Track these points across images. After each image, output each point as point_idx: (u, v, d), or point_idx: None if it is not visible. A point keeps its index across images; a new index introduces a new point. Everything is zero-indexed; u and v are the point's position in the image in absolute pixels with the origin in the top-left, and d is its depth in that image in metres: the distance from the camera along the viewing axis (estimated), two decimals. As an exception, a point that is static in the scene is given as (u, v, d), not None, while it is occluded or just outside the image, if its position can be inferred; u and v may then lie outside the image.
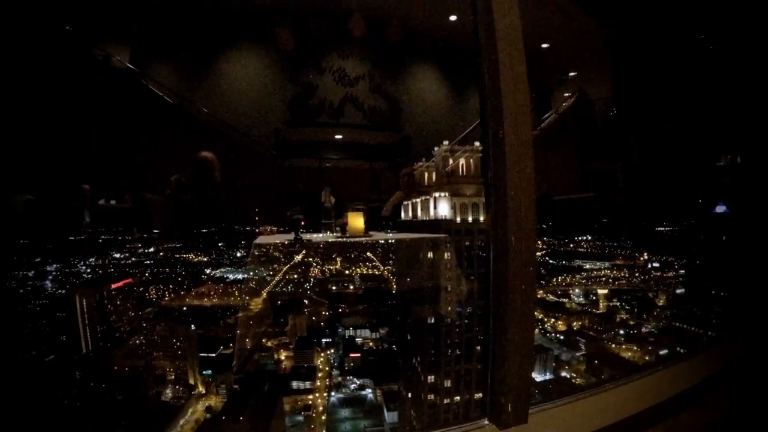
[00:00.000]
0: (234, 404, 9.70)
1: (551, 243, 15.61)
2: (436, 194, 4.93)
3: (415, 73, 15.37)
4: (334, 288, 13.35)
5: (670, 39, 10.01)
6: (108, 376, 9.62)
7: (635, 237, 14.57)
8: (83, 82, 9.37)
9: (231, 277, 12.41)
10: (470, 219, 4.96)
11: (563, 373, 11.84)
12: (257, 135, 13.16)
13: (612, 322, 13.17)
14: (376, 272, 13.49)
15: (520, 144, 2.51)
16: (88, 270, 10.59)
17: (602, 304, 13.94)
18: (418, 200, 5.50)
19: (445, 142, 5.60)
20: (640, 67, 11.22)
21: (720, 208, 10.45)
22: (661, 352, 11.47)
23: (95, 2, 10.45)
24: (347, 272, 13.58)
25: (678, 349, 10.92)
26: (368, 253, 13.04)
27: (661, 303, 13.57)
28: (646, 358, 11.66)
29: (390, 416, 10.08)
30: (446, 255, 5.05)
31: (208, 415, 10.06)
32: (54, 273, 9.93)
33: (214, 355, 10.60)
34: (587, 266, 14.85)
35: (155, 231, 10.78)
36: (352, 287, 13.42)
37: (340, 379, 11.19)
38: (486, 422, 2.70)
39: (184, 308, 11.53)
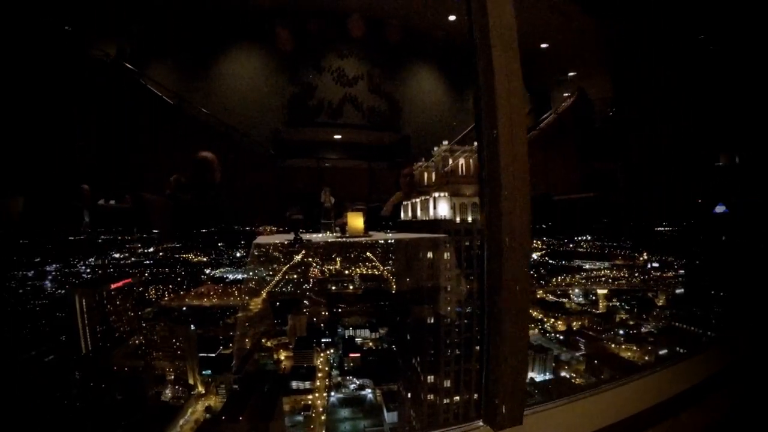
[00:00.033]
0: (233, 404, 9.70)
1: (551, 243, 15.61)
2: (436, 194, 4.93)
3: (415, 73, 15.37)
4: (333, 288, 13.34)
5: (670, 39, 10.02)
6: (107, 376, 9.61)
7: (635, 237, 14.57)
8: (83, 82, 9.37)
9: (231, 277, 12.41)
10: (470, 219, 4.96)
11: (563, 373, 11.84)
12: (256, 135, 13.16)
13: (611, 322, 13.16)
14: (376, 272, 13.48)
15: (515, 144, 2.51)
16: (88, 270, 10.59)
17: (602, 304, 13.94)
18: (418, 200, 5.50)
19: (445, 142, 5.60)
20: (639, 67, 11.23)
21: (720, 208, 10.46)
22: (661, 352, 11.47)
23: (94, 2, 10.44)
24: (347, 272, 13.57)
25: (677, 349, 10.92)
26: (368, 253, 13.03)
27: (660, 303, 13.57)
28: (646, 358, 11.66)
29: (389, 416, 10.08)
30: (446, 255, 5.05)
31: (207, 415, 10.05)
32: (53, 273, 9.93)
33: (213, 355, 10.59)
34: (587, 266, 14.84)
35: (155, 231, 10.79)
36: (351, 287, 13.41)
37: (339, 379, 11.18)
38: (480, 423, 2.69)
39: (184, 308, 11.53)
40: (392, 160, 14.25)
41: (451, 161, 5.38)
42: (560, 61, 14.99)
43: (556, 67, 15.28)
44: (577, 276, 14.78)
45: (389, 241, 7.08)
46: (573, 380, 11.74)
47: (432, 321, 5.70)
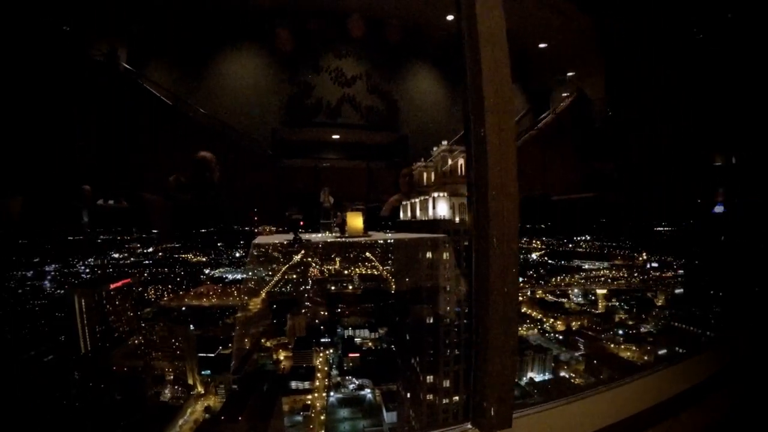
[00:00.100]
0: (233, 404, 9.70)
1: (550, 243, 15.62)
2: (435, 194, 4.92)
3: (413, 73, 15.37)
4: (333, 288, 13.34)
5: (667, 38, 10.02)
6: (107, 377, 9.62)
7: (634, 237, 14.58)
8: (82, 82, 9.37)
9: (230, 277, 12.41)
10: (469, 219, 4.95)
11: (562, 373, 11.84)
12: (254, 135, 13.16)
13: (611, 322, 13.17)
14: (375, 272, 13.48)
15: (503, 144, 2.49)
16: (87, 270, 10.60)
17: (601, 304, 13.95)
18: (417, 200, 5.50)
19: (444, 142, 5.59)
20: (636, 66, 11.23)
21: (719, 209, 10.46)
22: (660, 352, 11.47)
23: (93, 3, 10.44)
24: (346, 272, 13.58)
25: (677, 349, 10.92)
26: (367, 253, 13.03)
27: (660, 303, 13.58)
28: (645, 358, 11.66)
29: (389, 416, 10.07)
30: (445, 255, 5.04)
31: (207, 415, 10.05)
32: (53, 273, 9.93)
33: (212, 355, 10.59)
34: (586, 266, 14.86)
35: (154, 231, 10.79)
36: (351, 287, 13.42)
37: (339, 379, 11.18)
38: (469, 426, 2.68)
39: (183, 308, 11.54)
40: (390, 159, 14.26)
41: (450, 161, 5.37)
42: (560, 61, 15.00)
43: (555, 68, 15.30)
44: (577, 276, 14.79)
45: (388, 241, 7.07)
46: (572, 380, 11.75)
47: (431, 321, 5.69)
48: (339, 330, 12.44)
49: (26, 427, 7.35)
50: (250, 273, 10.61)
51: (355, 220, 4.45)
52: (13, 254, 9.19)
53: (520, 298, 14.38)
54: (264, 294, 11.60)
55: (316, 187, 4.98)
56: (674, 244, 13.68)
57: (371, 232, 4.75)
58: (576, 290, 14.48)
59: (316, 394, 10.67)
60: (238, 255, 12.42)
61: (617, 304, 13.89)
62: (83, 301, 9.47)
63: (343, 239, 4.48)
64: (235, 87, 13.42)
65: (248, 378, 10.50)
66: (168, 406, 10.17)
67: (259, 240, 4.89)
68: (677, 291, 13.63)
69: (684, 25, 9.54)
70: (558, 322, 13.56)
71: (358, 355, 11.57)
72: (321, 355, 11.66)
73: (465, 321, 5.41)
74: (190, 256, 12.18)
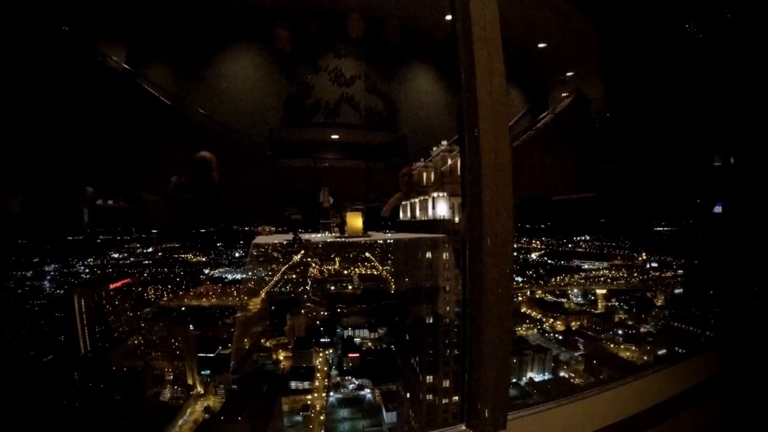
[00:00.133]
0: (232, 404, 9.70)
1: (550, 243, 15.63)
2: (435, 194, 4.92)
3: (412, 73, 15.35)
4: (332, 288, 13.34)
5: (666, 39, 10.02)
6: (106, 377, 9.62)
7: (634, 237, 14.58)
8: (81, 82, 9.37)
9: (229, 277, 12.41)
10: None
11: (562, 373, 11.85)
12: (253, 135, 13.14)
13: (610, 322, 13.18)
14: (375, 272, 13.48)
15: (497, 143, 2.46)
16: (87, 270, 10.60)
17: (601, 304, 13.95)
18: (417, 200, 5.50)
19: (444, 142, 5.60)
20: (635, 66, 11.23)
21: (719, 209, 10.46)
22: (660, 352, 11.48)
23: (92, 3, 10.44)
24: (346, 272, 13.57)
25: (676, 349, 10.92)
26: (367, 253, 13.03)
27: (659, 303, 13.58)
28: (645, 358, 11.67)
29: (388, 416, 10.08)
30: (445, 255, 5.04)
31: (206, 415, 10.05)
32: (52, 273, 9.93)
33: (212, 355, 10.59)
34: (586, 266, 14.86)
35: (153, 231, 10.79)
36: (350, 287, 13.41)
37: (338, 379, 11.18)
38: (463, 427, 2.66)
39: (183, 308, 11.54)
40: (389, 160, 14.24)
41: (449, 161, 5.38)
42: (559, 62, 15.00)
43: (555, 68, 15.30)
44: (576, 276, 14.79)
45: (388, 241, 7.07)
46: (572, 380, 11.76)
47: (431, 321, 5.69)
48: (339, 330, 12.44)
49: (26, 427, 7.35)
50: (249, 273, 10.61)
51: (355, 220, 4.45)
52: (12, 254, 9.19)
53: (520, 298, 14.40)
54: (263, 294, 11.60)
55: (315, 187, 4.99)
56: (674, 244, 13.69)
57: (371, 232, 4.75)
58: (575, 290, 14.49)
59: (315, 394, 10.67)
60: (237, 255, 12.42)
61: (617, 304, 13.90)
62: (83, 301, 9.47)
63: (343, 239, 4.48)
64: (234, 87, 13.41)
65: (248, 378, 10.51)
66: (167, 406, 10.17)
67: (258, 240, 4.90)
68: (677, 291, 13.63)
69: (683, 25, 9.55)
70: (557, 322, 13.56)
71: (357, 355, 11.57)
72: (321, 355, 11.66)
73: (458, 321, 5.44)
74: (189, 256, 12.18)
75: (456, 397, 5.55)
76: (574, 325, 13.45)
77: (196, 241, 11.98)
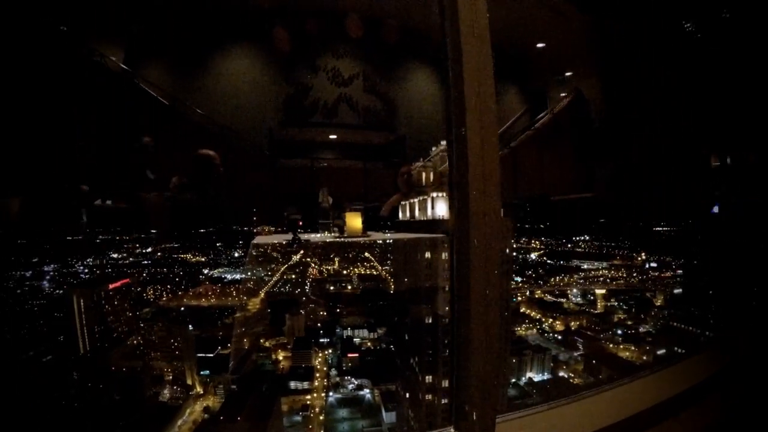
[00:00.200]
0: (232, 404, 9.70)
1: (549, 243, 15.63)
2: (434, 194, 4.91)
3: (411, 73, 15.30)
4: (332, 288, 13.35)
5: (665, 39, 10.02)
6: (105, 377, 9.62)
7: (633, 237, 14.58)
8: (80, 82, 9.36)
9: (229, 277, 12.41)
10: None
11: (561, 373, 11.86)
12: (251, 135, 13.11)
13: (610, 322, 13.18)
14: (374, 272, 13.49)
15: (484, 143, 2.41)
16: (86, 270, 10.60)
17: (600, 304, 13.96)
18: (416, 200, 5.49)
19: (443, 142, 5.58)
20: (634, 67, 11.22)
21: (717, 209, 10.45)
22: (659, 352, 11.49)
23: (90, 3, 10.43)
24: (345, 272, 13.58)
25: (676, 349, 10.94)
26: (366, 254, 13.04)
27: (658, 303, 13.59)
28: (644, 357, 11.68)
29: (388, 416, 10.08)
30: (444, 255, 5.04)
31: (205, 415, 10.06)
32: (52, 273, 9.93)
33: (211, 355, 10.60)
34: (585, 266, 14.87)
35: (153, 231, 10.78)
36: (350, 287, 13.42)
37: (338, 379, 11.18)
38: (452, 430, 2.64)
39: (182, 308, 11.54)
40: (388, 160, 14.22)
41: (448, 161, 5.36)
42: (559, 62, 14.98)
43: (554, 68, 15.27)
44: (576, 276, 14.79)
45: (387, 241, 7.07)
46: (571, 380, 11.77)
47: (430, 321, 5.69)
48: (338, 330, 12.45)
49: (26, 427, 7.35)
50: (249, 273, 10.62)
51: (354, 220, 4.45)
52: (12, 254, 9.19)
53: (519, 298, 14.40)
54: (263, 294, 11.61)
55: (313, 187, 5.00)
56: (673, 244, 13.68)
57: (370, 232, 4.74)
58: (575, 290, 14.50)
59: (315, 394, 10.68)
60: (237, 255, 12.42)
61: (616, 304, 13.90)
62: (82, 301, 9.48)
63: (342, 239, 4.47)
64: (232, 87, 13.36)
65: (247, 378, 10.51)
66: (167, 406, 10.18)
67: (258, 240, 4.89)
68: (676, 291, 13.64)
69: (682, 25, 9.54)
70: (557, 322, 13.57)
71: (357, 355, 11.58)
72: (320, 355, 11.67)
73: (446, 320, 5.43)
74: (189, 256, 12.19)
75: (456, 397, 5.55)
76: (573, 325, 13.46)
77: (195, 241, 11.98)
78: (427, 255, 5.19)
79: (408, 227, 5.64)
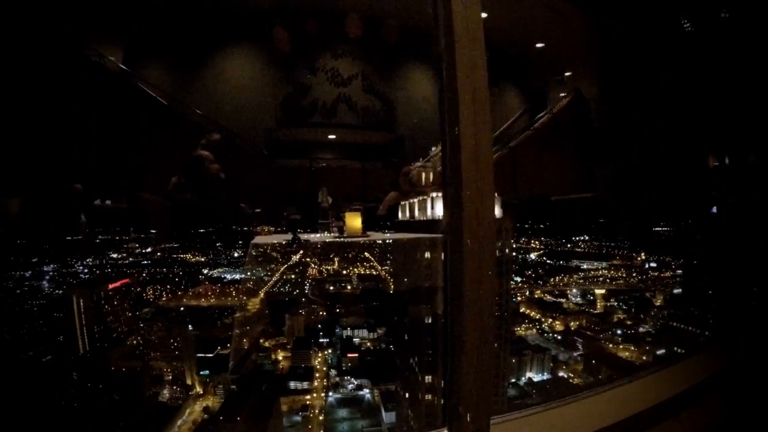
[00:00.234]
0: (231, 404, 9.70)
1: (549, 243, 15.63)
2: (434, 194, 4.91)
3: (410, 73, 15.30)
4: (331, 288, 13.35)
5: (664, 39, 10.02)
6: (105, 377, 9.62)
7: (633, 237, 14.59)
8: (79, 82, 9.36)
9: (228, 277, 12.41)
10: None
11: (561, 373, 11.86)
12: (249, 135, 13.11)
13: (609, 322, 13.18)
14: (374, 272, 13.49)
15: (478, 142, 2.38)
16: (86, 270, 10.60)
17: (599, 304, 13.96)
18: (416, 200, 5.48)
19: (442, 142, 5.58)
20: (633, 67, 11.22)
21: (716, 209, 10.45)
22: (659, 352, 11.49)
23: (90, 3, 10.43)
24: (345, 272, 13.58)
25: (675, 349, 10.94)
26: (366, 254, 13.04)
27: (658, 303, 13.59)
28: (644, 357, 11.69)
29: (387, 416, 10.07)
30: (443, 255, 5.04)
31: (205, 415, 10.05)
32: (51, 273, 9.94)
33: (211, 355, 10.60)
34: (585, 266, 14.86)
35: (152, 231, 10.79)
36: (349, 287, 13.42)
37: (337, 379, 11.18)
38: (445, 431, 2.63)
39: (182, 308, 11.54)
40: (386, 160, 14.21)
41: (449, 161, 5.35)
42: (559, 61, 14.98)
43: (555, 68, 15.27)
44: (575, 276, 14.80)
45: (387, 241, 7.07)
46: (571, 380, 11.77)
47: (430, 321, 5.69)
48: (338, 330, 12.44)
49: (25, 427, 7.35)
50: (248, 273, 10.62)
51: (354, 220, 4.44)
52: (11, 254, 9.20)
53: (519, 298, 14.40)
54: (262, 294, 11.62)
55: (312, 187, 4.99)
56: (673, 244, 13.69)
57: (369, 232, 4.74)
58: (574, 290, 14.50)
59: (314, 395, 10.68)
60: (236, 255, 12.42)
61: (615, 304, 13.90)
62: (82, 301, 9.48)
63: (342, 239, 4.47)
64: (231, 87, 13.37)
65: (247, 378, 10.51)
66: (166, 406, 10.18)
67: (257, 240, 4.89)
68: (676, 291, 13.64)
69: (681, 24, 9.54)
70: (556, 322, 13.57)
71: (356, 355, 11.58)
72: (320, 355, 11.67)
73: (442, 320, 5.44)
74: (188, 256, 12.19)
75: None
76: (573, 325, 13.46)
77: (195, 241, 11.99)
78: (427, 255, 5.19)
79: (407, 227, 5.64)
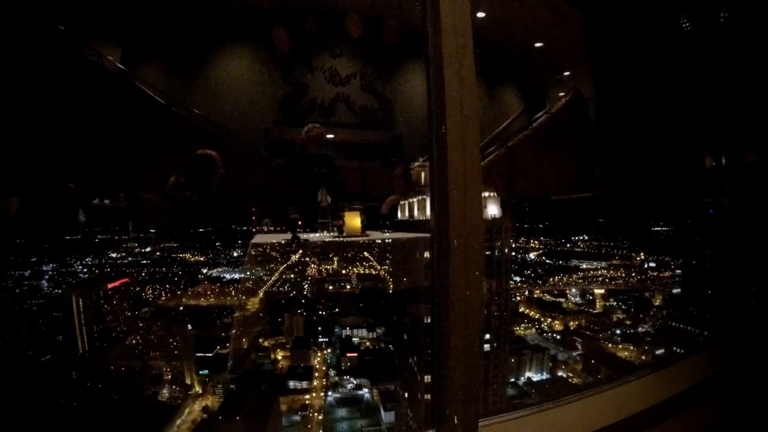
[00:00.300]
0: (230, 404, 9.70)
1: (548, 243, 15.65)
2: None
3: (409, 73, 15.31)
4: (331, 288, 13.34)
5: (663, 36, 10.02)
6: (104, 376, 9.61)
7: (632, 237, 14.61)
8: (78, 82, 9.37)
9: (228, 276, 12.40)
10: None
11: (560, 373, 11.87)
12: (247, 135, 13.12)
13: (608, 321, 13.20)
14: (373, 272, 13.49)
15: (465, 141, 2.35)
16: (85, 270, 10.59)
17: (599, 304, 13.97)
18: (415, 200, 5.49)
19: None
20: (632, 66, 11.22)
21: (712, 211, 10.46)
22: (658, 352, 11.51)
23: (89, 2, 10.43)
24: (344, 272, 13.58)
25: (674, 349, 10.96)
26: (365, 253, 13.05)
27: (657, 303, 13.60)
28: (643, 357, 11.70)
29: (386, 416, 10.08)
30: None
31: (204, 415, 10.05)
32: (50, 273, 9.93)
33: (210, 355, 10.59)
34: (584, 266, 14.88)
35: (152, 230, 10.78)
36: (349, 287, 13.42)
37: (336, 378, 11.18)
38: None
39: (181, 308, 11.53)
40: (385, 159, 14.21)
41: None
42: (559, 61, 14.99)
43: (554, 67, 15.28)
44: (574, 276, 14.81)
45: (386, 240, 7.08)
46: (570, 380, 11.78)
47: (429, 321, 5.70)
48: (337, 329, 12.43)
49: (24, 427, 7.35)
50: (248, 272, 10.61)
51: (353, 220, 4.45)
52: (10, 254, 9.20)
53: (518, 298, 14.42)
54: (262, 294, 11.61)
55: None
56: (672, 244, 13.71)
57: (369, 232, 4.74)
58: (574, 290, 14.51)
59: (314, 394, 10.68)
60: (236, 254, 12.42)
61: (615, 303, 13.92)
62: (81, 300, 9.48)
63: (341, 239, 4.47)
64: (228, 87, 13.38)
65: (246, 378, 10.51)
66: (166, 405, 10.17)
67: (257, 239, 4.89)
68: (675, 291, 13.65)
69: (680, 23, 9.54)
70: (556, 322, 13.58)
71: (355, 354, 11.58)
72: (319, 354, 11.67)
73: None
74: (187, 255, 12.18)
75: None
76: (572, 324, 13.47)
77: (194, 240, 11.98)
78: (426, 254, 5.18)
79: (407, 227, 5.64)
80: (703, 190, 10.19)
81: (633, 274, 14.37)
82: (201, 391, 10.39)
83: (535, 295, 14.58)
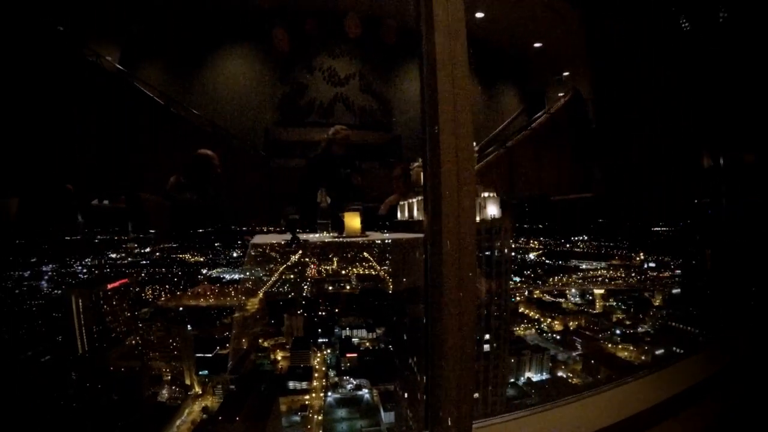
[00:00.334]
0: (230, 404, 9.69)
1: (547, 243, 15.63)
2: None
3: (408, 73, 15.31)
4: (330, 288, 13.34)
5: (663, 35, 10.01)
6: (104, 377, 9.60)
7: (632, 237, 14.59)
8: (77, 82, 9.37)
9: (227, 277, 12.39)
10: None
11: (559, 373, 11.86)
12: (246, 135, 13.12)
13: (608, 321, 13.19)
14: (373, 272, 13.48)
15: (459, 140, 2.36)
16: (84, 270, 10.59)
17: (598, 304, 13.95)
18: (414, 200, 5.49)
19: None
20: (632, 66, 11.22)
21: (710, 212, 10.45)
22: (658, 352, 11.50)
23: (87, 2, 10.43)
24: (344, 272, 13.58)
25: (674, 349, 10.95)
26: (365, 253, 13.03)
27: (657, 303, 13.59)
28: (643, 357, 11.69)
29: (386, 416, 10.07)
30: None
31: (204, 415, 10.04)
32: (50, 273, 9.92)
33: (210, 355, 10.59)
34: (583, 266, 14.86)
35: (151, 231, 10.78)
36: (348, 287, 13.41)
37: (336, 379, 11.16)
38: None
39: (181, 309, 11.51)
40: (383, 160, 14.21)
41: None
42: (558, 61, 14.99)
43: (554, 67, 15.28)
44: (574, 276, 14.78)
45: (386, 241, 7.08)
46: (570, 380, 11.77)
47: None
48: (336, 330, 12.41)
49: (23, 427, 7.34)
50: (247, 273, 10.61)
51: (353, 220, 4.45)
52: (10, 254, 9.19)
53: (518, 298, 14.41)
54: (261, 294, 11.59)
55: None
56: (672, 244, 13.70)
57: (369, 232, 4.74)
58: (573, 290, 14.49)
59: (313, 395, 10.67)
60: (235, 255, 12.41)
61: (615, 304, 13.90)
62: (80, 301, 9.46)
63: (341, 239, 4.47)
64: (228, 87, 13.39)
65: (246, 378, 10.49)
66: (165, 406, 10.16)
67: (256, 240, 4.90)
68: (675, 291, 13.64)
69: (679, 22, 9.54)
70: (555, 322, 13.57)
71: (355, 355, 11.56)
72: (318, 355, 11.65)
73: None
74: (187, 256, 12.17)
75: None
76: (572, 325, 13.45)
77: (194, 241, 11.97)
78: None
79: (407, 227, 5.65)
80: (702, 190, 10.19)
81: (633, 274, 14.35)
82: (201, 392, 10.38)
83: (535, 296, 14.56)
